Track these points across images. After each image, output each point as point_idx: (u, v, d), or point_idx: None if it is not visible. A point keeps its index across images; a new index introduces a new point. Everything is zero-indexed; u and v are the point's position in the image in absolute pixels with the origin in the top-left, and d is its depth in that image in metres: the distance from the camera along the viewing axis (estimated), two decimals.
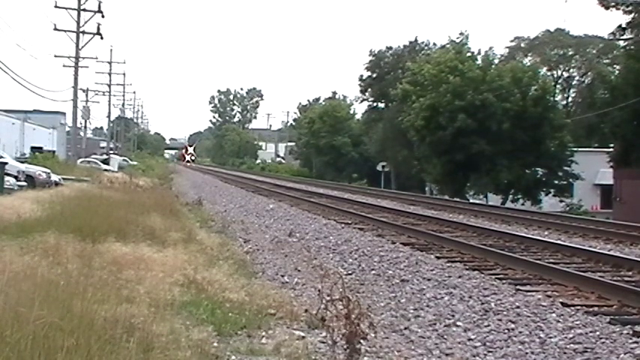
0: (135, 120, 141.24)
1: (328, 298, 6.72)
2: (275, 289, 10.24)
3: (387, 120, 67.12)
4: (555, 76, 72.36)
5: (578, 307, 9.61)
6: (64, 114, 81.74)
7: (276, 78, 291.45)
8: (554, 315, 9.24)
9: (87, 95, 74.09)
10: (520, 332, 8.57)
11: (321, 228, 20.17)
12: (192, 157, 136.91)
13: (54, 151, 61.63)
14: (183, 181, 53.96)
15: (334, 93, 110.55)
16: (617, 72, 52.01)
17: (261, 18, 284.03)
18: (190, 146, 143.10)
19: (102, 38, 52.47)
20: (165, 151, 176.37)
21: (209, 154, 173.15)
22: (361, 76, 76.45)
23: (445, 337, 8.52)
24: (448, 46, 55.37)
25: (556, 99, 58.52)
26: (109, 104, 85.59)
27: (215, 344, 6.92)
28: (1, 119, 60.61)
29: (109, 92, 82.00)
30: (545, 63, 71.20)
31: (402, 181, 66.77)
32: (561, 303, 9.86)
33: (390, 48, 75.66)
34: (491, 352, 7.91)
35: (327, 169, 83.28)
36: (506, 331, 8.67)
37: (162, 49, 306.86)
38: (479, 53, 53.14)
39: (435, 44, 69.91)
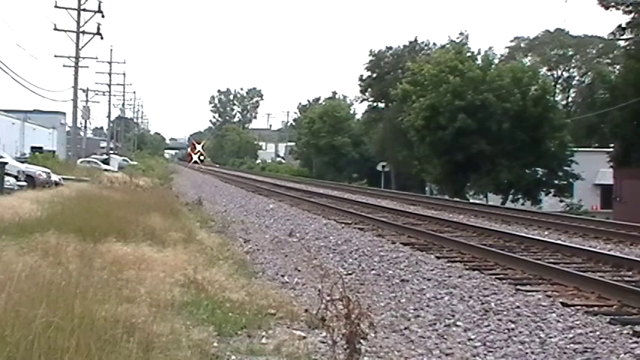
0: (135, 120, 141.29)
1: (328, 298, 6.71)
2: (275, 289, 10.24)
3: (387, 120, 67.08)
4: (555, 76, 72.37)
5: (578, 307, 9.62)
6: (64, 114, 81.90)
7: (276, 78, 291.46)
8: (554, 315, 9.24)
9: (87, 95, 74.19)
10: (520, 332, 8.57)
11: (321, 228, 20.17)
12: (202, 157, 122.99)
13: (54, 151, 61.65)
14: (183, 181, 53.95)
15: (334, 93, 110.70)
16: (617, 72, 52.10)
17: (261, 18, 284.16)
18: (198, 143, 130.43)
19: (102, 38, 52.60)
20: (166, 151, 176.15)
21: (209, 154, 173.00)
22: (361, 76, 76.53)
23: (445, 337, 8.52)
24: (448, 46, 55.41)
25: (556, 99, 58.54)
26: (109, 104, 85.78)
27: (215, 344, 6.92)
28: (1, 119, 60.67)
29: (109, 92, 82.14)
30: (545, 63, 71.22)
31: (402, 181, 66.73)
32: (561, 303, 9.86)
33: (390, 48, 75.70)
34: (491, 352, 7.91)
35: (327, 169, 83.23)
36: (506, 331, 8.67)
37: (163, 49, 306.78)
38: (479, 53, 53.19)
39: (435, 44, 70.02)
